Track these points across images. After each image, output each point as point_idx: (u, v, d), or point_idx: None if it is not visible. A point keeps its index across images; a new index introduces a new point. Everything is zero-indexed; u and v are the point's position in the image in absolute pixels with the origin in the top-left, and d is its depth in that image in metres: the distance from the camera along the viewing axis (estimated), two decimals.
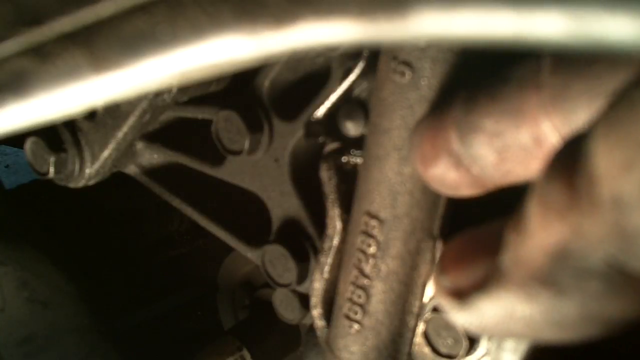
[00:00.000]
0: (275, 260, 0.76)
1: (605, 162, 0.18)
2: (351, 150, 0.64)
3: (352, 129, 0.65)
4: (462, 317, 0.24)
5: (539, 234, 0.20)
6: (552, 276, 0.20)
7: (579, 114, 0.26)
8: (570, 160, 0.20)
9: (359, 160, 0.63)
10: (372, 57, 0.63)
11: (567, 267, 0.20)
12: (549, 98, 0.27)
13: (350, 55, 0.65)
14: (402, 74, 0.52)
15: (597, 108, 0.20)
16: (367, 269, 0.59)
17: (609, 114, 0.19)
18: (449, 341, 0.57)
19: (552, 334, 0.22)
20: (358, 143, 0.63)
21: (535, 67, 0.30)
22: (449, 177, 0.34)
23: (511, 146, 0.29)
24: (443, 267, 0.26)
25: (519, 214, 0.22)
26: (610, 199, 0.18)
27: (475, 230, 0.27)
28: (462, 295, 0.23)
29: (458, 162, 0.33)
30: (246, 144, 0.73)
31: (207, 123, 0.77)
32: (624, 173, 0.18)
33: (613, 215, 0.18)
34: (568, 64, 0.27)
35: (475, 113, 0.31)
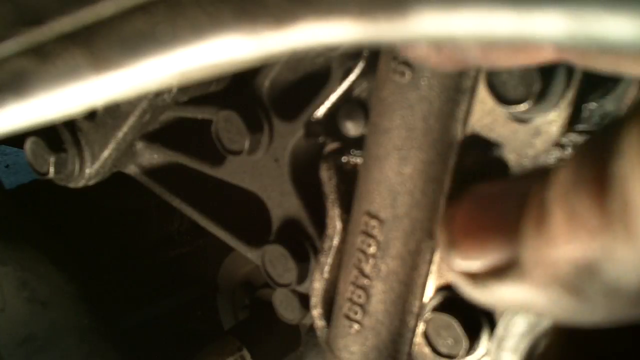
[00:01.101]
0: (275, 260, 0.76)
1: None
2: (351, 150, 0.64)
3: (352, 129, 0.65)
4: (474, 295, 0.23)
5: (565, 245, 0.19)
6: (576, 286, 0.19)
7: None
8: (600, 172, 0.18)
9: (359, 160, 0.63)
10: (372, 57, 0.63)
11: (594, 282, 0.19)
12: None
13: (350, 55, 0.65)
14: (402, 74, 0.52)
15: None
16: (367, 269, 0.59)
17: None
18: (449, 341, 0.57)
19: (569, 323, 0.21)
20: (358, 143, 0.63)
21: None
22: None
23: None
24: (453, 239, 0.23)
25: (539, 206, 0.20)
26: None
27: (483, 190, 0.24)
28: (476, 277, 0.22)
29: None
30: (246, 144, 0.73)
31: (207, 123, 0.77)
32: None
33: None
34: None
35: None
